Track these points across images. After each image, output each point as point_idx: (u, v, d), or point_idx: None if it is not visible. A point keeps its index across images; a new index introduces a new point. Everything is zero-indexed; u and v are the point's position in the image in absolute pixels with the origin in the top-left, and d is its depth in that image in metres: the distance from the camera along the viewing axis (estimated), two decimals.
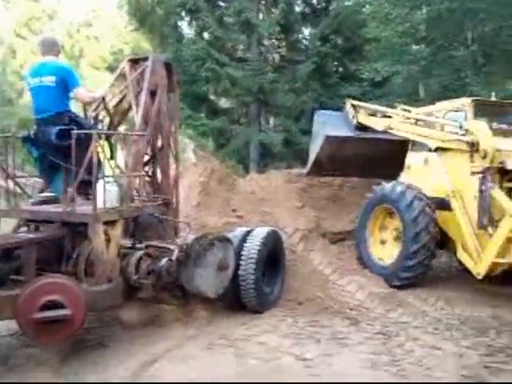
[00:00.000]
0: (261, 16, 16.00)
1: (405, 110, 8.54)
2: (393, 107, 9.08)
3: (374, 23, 14.16)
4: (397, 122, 8.21)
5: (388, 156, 8.53)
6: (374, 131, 8.72)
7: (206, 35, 16.04)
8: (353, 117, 9.16)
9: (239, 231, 6.15)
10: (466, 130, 6.76)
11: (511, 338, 5.18)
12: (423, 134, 7.68)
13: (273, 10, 15.73)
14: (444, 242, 7.30)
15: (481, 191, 6.35)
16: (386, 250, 7.74)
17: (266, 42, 16.63)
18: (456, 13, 13.39)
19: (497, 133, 6.81)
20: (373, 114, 9.02)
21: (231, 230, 6.32)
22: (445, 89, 12.69)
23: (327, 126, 9.26)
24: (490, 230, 6.26)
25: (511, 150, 6.55)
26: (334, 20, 15.58)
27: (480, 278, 6.40)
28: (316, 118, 9.72)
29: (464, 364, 4.50)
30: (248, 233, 6.11)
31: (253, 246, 5.87)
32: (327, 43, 15.20)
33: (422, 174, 7.65)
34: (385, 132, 8.45)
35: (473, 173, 6.55)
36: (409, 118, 8.10)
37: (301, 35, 16.91)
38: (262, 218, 8.36)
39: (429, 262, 7.08)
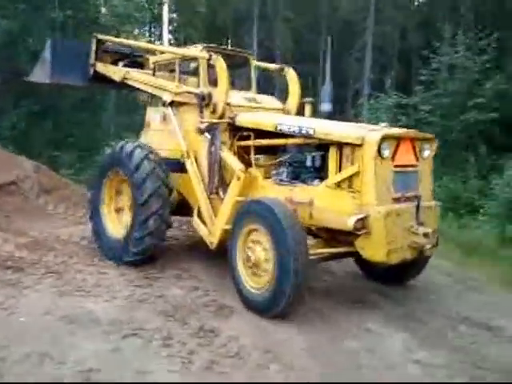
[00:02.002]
0: None
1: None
2: None
3: None
4: (134, 72, 7.32)
5: None
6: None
7: None
8: (92, 65, 7.82)
9: None
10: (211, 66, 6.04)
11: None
12: (159, 85, 6.75)
13: None
14: (185, 209, 6.51)
15: (210, 151, 5.84)
16: (121, 220, 6.64)
17: None
18: None
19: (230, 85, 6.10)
20: (118, 59, 7.91)
21: None
22: None
23: (54, 63, 7.88)
24: (221, 194, 5.77)
25: (243, 105, 6.04)
26: None
27: (213, 248, 5.83)
28: (47, 46, 8.10)
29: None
30: None
31: None
32: None
33: (160, 133, 6.75)
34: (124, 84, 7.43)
35: (199, 129, 5.85)
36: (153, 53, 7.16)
37: None
38: None
39: (162, 233, 6.20)
